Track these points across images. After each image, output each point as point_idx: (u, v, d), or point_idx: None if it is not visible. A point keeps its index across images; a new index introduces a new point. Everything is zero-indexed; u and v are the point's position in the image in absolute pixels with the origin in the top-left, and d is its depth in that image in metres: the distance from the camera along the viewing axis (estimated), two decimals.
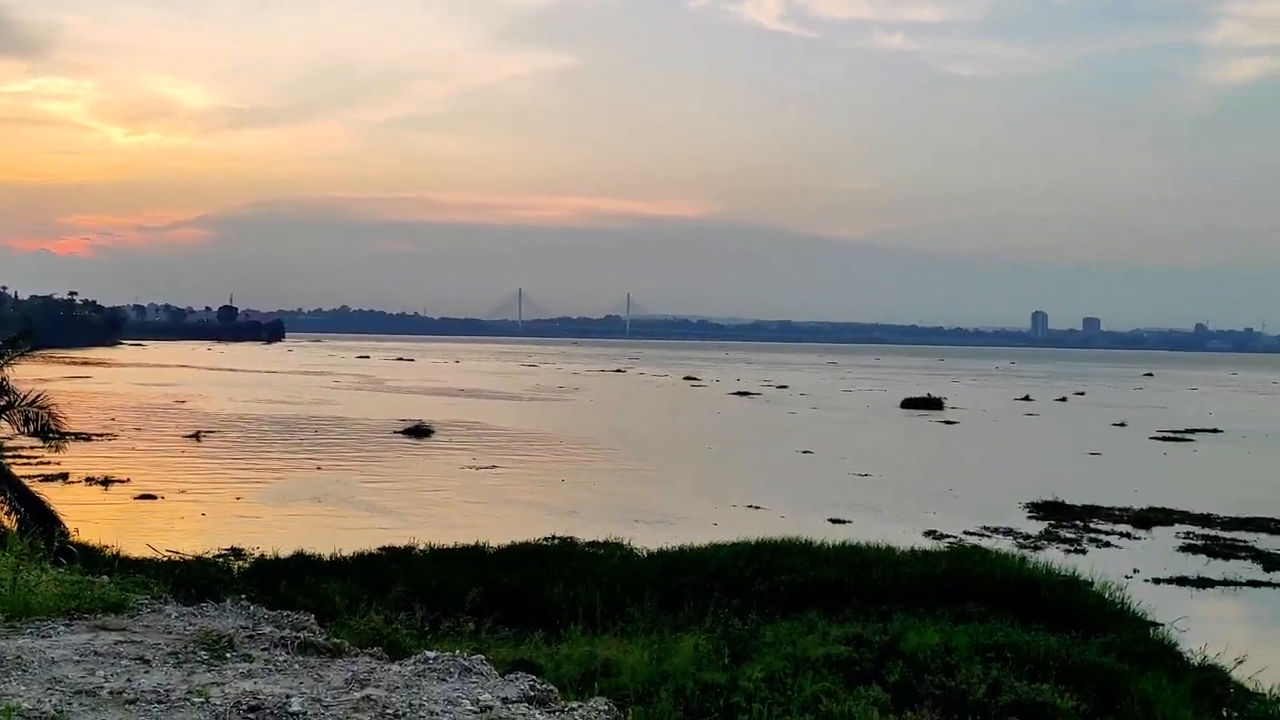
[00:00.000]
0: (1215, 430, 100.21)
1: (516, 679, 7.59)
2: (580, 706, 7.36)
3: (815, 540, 28.85)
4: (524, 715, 7.06)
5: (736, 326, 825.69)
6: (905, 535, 38.10)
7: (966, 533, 44.18)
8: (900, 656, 16.13)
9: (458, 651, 8.76)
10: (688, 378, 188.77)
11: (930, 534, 43.28)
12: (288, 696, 7.68)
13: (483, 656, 8.49)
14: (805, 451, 74.62)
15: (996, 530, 45.54)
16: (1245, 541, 44.50)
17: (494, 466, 61.45)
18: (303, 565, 25.82)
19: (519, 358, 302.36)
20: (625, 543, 33.32)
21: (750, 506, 49.67)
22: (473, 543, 29.89)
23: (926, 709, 14.15)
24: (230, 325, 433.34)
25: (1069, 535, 45.28)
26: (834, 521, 45.28)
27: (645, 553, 29.92)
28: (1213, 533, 46.61)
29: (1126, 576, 35.45)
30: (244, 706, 7.55)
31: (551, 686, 7.63)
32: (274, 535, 35.18)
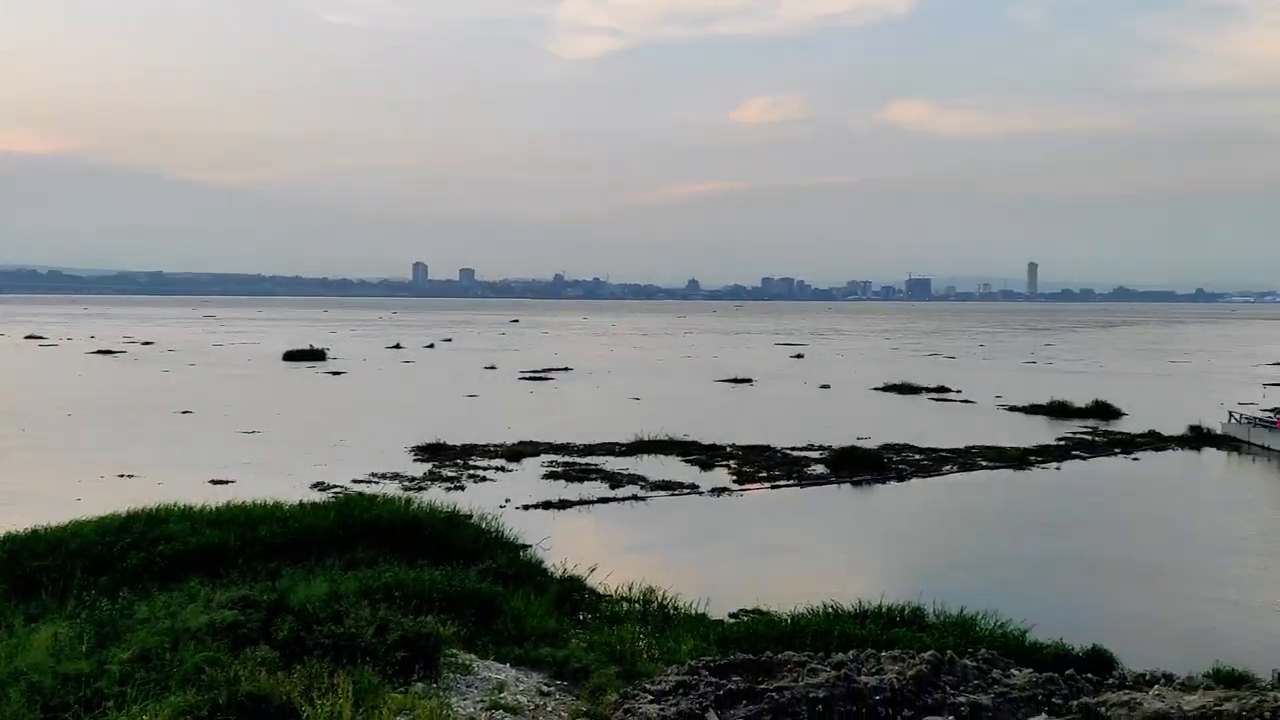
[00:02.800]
0: (567, 369, 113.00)
1: None
2: None
3: (196, 504, 27.15)
4: None
5: (98, 278, 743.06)
6: (294, 490, 37.52)
7: (355, 481, 44.79)
8: (289, 612, 15.88)
9: None
10: (32, 336, 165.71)
11: (319, 486, 43.18)
12: None
13: None
14: (184, 411, 69.88)
15: (384, 476, 46.82)
16: (596, 465, 50.97)
17: None
18: None
19: None
20: None
21: (122, 475, 45.33)
22: None
23: (316, 659, 14.12)
24: None
25: (450, 474, 48.09)
26: (217, 482, 43.12)
27: None
28: (571, 459, 52.67)
29: (501, 506, 38.72)
30: None
31: None
32: None
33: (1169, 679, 15.68)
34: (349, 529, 24.64)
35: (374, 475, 46.72)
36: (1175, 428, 63.62)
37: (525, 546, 28.19)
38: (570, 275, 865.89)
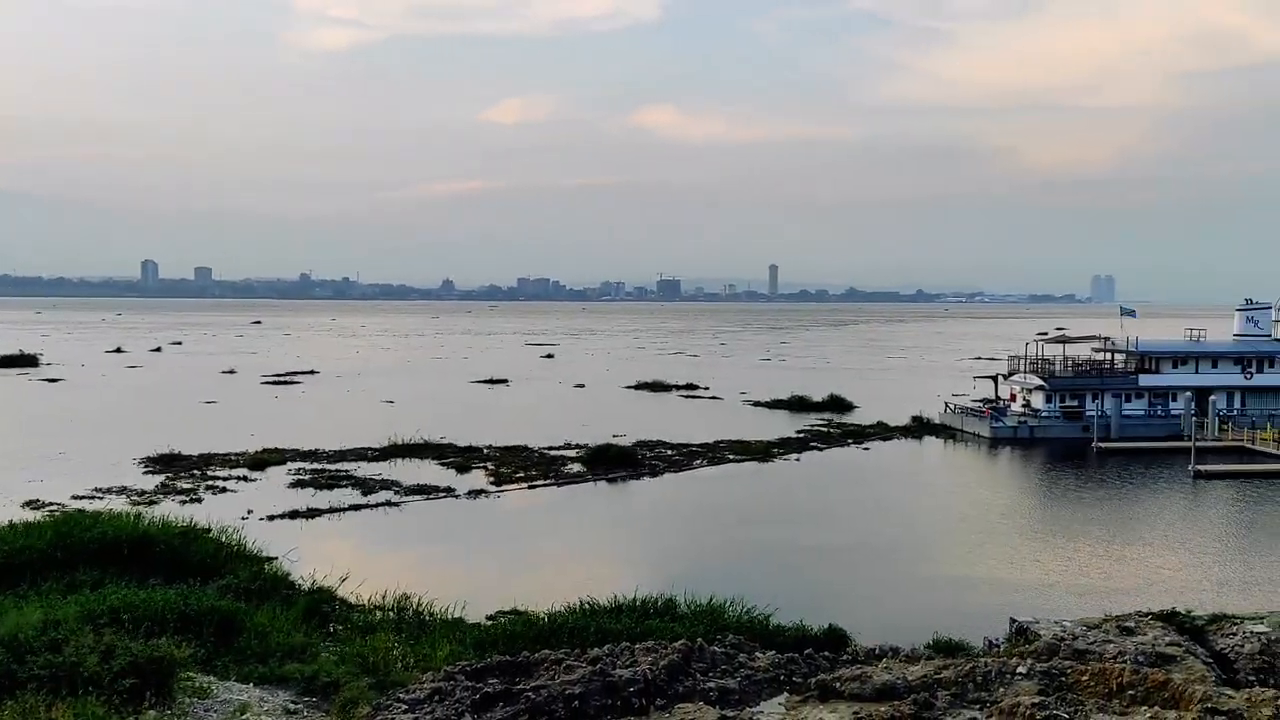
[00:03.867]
0: (314, 372, 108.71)
1: None
2: None
3: None
4: None
5: None
6: (2, 509, 34.12)
7: (76, 497, 41.24)
8: None
9: None
10: None
11: (33, 504, 39.44)
12: None
13: None
14: None
15: (111, 490, 43.35)
16: (347, 471, 49.30)
17: None
18: None
19: None
20: None
21: None
22: None
23: (31, 693, 12.86)
24: None
25: (186, 485, 45.15)
26: None
27: None
28: (320, 466, 50.68)
29: (243, 518, 36.75)
30: None
31: None
32: None
33: (895, 652, 16.92)
34: (69, 549, 22.59)
35: (98, 490, 43.17)
36: (900, 418, 68.85)
37: (270, 559, 26.87)
38: (318, 275, 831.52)
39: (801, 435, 63.61)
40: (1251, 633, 19.40)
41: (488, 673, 12.97)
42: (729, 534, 38.61)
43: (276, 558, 27.32)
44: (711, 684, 12.32)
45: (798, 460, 55.42)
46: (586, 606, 22.59)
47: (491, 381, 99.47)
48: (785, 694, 12.27)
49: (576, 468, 50.98)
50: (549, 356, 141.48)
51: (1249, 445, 59.51)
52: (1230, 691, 12.64)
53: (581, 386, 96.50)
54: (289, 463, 51.42)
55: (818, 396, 79.83)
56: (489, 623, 23.67)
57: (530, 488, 46.80)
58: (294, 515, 39.61)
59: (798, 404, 78.85)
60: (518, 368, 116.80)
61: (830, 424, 68.93)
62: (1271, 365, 68.30)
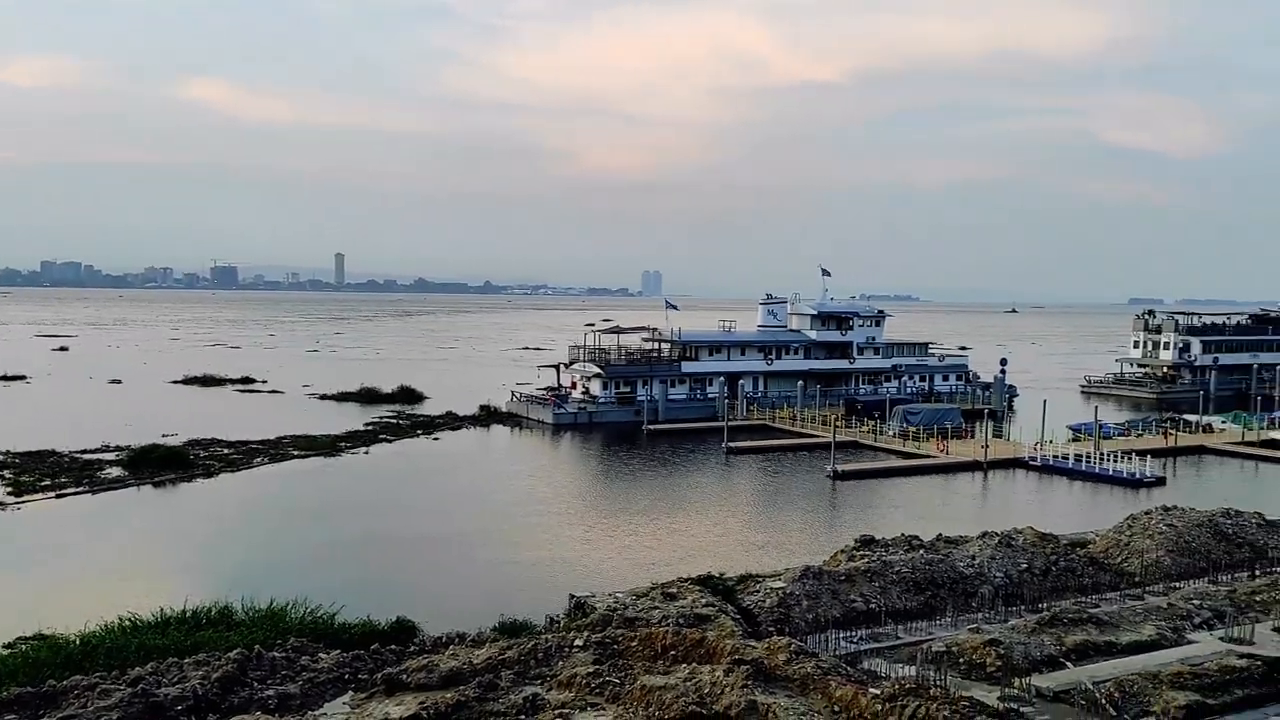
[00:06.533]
0: None
1: None
2: None
3: None
4: None
5: None
6: None
7: None
8: None
9: None
10: None
11: None
12: None
13: None
14: None
15: None
16: None
17: None
18: None
19: None
20: None
21: None
22: None
23: None
24: None
25: None
26: None
27: None
28: None
29: None
30: None
31: None
32: None
33: (462, 638, 17.21)
34: None
35: None
36: (468, 408, 69.96)
37: None
38: None
39: (370, 428, 62.50)
40: (771, 589, 22.09)
41: (4, 708, 11.42)
42: (293, 533, 36.99)
43: None
44: (270, 691, 11.77)
45: (367, 453, 54.40)
46: (127, 624, 20.59)
47: (6, 378, 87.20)
48: (350, 692, 12.02)
49: (117, 472, 46.23)
50: (63, 349, 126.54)
51: (770, 424, 67.58)
52: (754, 642, 14.32)
53: (119, 382, 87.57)
54: None
55: (388, 388, 78.85)
56: (7, 652, 20.80)
57: (59, 497, 41.68)
58: None
59: (367, 396, 77.40)
60: (24, 363, 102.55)
61: (400, 415, 68.39)
62: (788, 352, 77.98)
